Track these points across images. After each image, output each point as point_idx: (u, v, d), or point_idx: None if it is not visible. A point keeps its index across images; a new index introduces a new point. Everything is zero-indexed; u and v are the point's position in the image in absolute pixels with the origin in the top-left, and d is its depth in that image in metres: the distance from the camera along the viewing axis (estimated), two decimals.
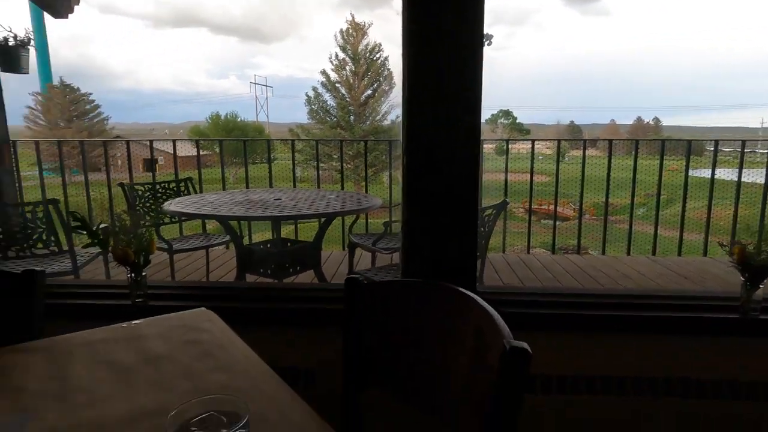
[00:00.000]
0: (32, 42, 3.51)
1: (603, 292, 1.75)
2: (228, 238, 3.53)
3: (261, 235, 4.79)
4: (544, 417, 1.58)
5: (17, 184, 4.24)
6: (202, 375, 0.87)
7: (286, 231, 4.68)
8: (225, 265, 4.05)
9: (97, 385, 0.84)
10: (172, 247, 3.15)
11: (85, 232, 1.96)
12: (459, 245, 1.60)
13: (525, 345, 0.69)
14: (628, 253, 4.06)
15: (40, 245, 2.72)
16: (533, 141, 3.95)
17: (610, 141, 3.89)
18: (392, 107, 23.62)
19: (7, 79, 3.38)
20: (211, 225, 3.98)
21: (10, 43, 3.15)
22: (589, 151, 4.06)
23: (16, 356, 0.95)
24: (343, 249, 4.45)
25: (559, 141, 4.08)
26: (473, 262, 1.63)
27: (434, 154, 1.55)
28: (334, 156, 14.22)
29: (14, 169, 4.04)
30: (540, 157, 3.99)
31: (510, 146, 4.37)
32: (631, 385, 1.55)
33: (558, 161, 3.77)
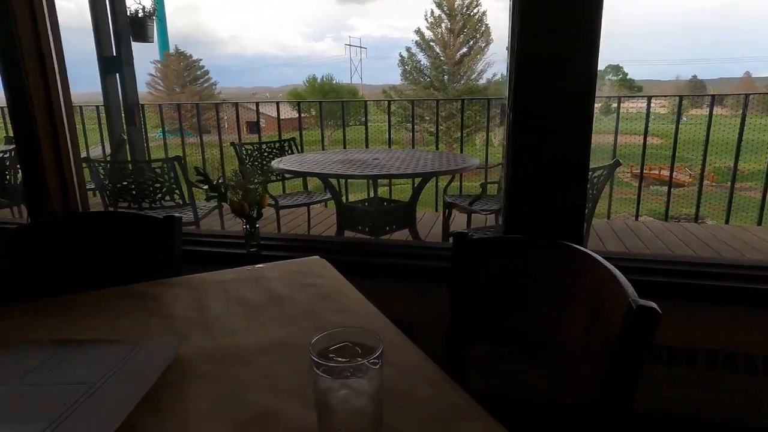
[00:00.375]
0: (155, 12, 3.81)
1: (727, 261, 1.59)
2: (328, 196, 3.69)
3: (354, 195, 4.95)
4: (652, 388, 1.51)
5: (145, 144, 4.73)
6: (322, 315, 0.94)
7: (381, 191, 4.78)
8: (323, 222, 4.26)
9: (231, 318, 0.94)
10: (278, 203, 3.37)
11: (206, 186, 2.16)
12: (567, 206, 1.53)
13: (653, 304, 0.66)
14: (759, 223, 3.62)
15: (167, 198, 3.05)
16: (649, 98, 3.59)
17: (746, 95, 3.41)
18: (488, 65, 22.63)
19: (133, 48, 3.73)
20: (311, 184, 4.17)
21: (140, 15, 3.45)
22: (714, 110, 3.61)
23: (163, 289, 1.09)
24: (436, 210, 4.46)
25: (680, 97, 3.65)
26: (581, 224, 1.56)
27: (544, 109, 1.48)
28: (426, 117, 14.08)
29: (143, 130, 4.50)
30: (652, 117, 3.63)
31: (616, 105, 4.02)
32: (763, 363, 1.41)
33: (678, 120, 3.40)
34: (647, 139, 3.57)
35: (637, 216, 3.79)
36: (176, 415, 0.66)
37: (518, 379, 1.57)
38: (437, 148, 4.70)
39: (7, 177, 3.81)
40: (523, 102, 1.49)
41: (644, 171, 3.69)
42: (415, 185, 3.06)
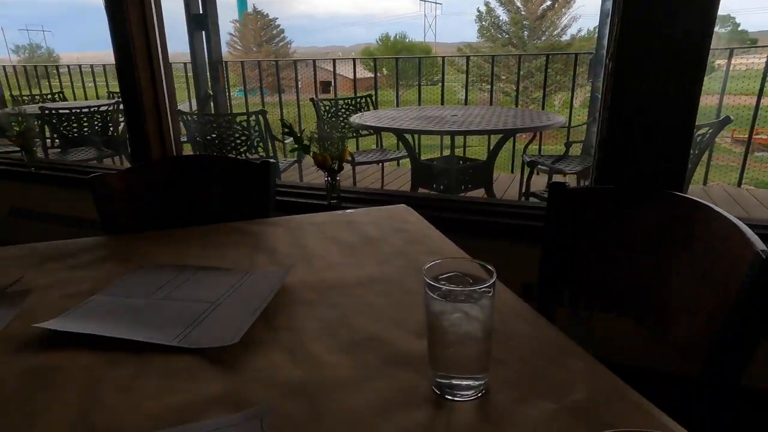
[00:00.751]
0: None
1: None
2: (402, 153, 3.70)
3: (426, 154, 4.91)
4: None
5: (228, 101, 4.93)
6: (415, 256, 0.96)
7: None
8: (396, 181, 4.29)
9: (329, 255, 0.99)
10: (354, 159, 3.43)
11: (290, 139, 2.24)
12: (667, 165, 1.44)
13: None
14: None
15: (251, 151, 3.20)
16: None
17: None
18: (573, 20, 21.03)
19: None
20: (385, 141, 4.19)
21: None
22: None
23: (262, 227, 1.16)
24: (511, 172, 4.34)
25: None
26: (681, 183, 1.46)
27: (649, 60, 1.37)
28: (503, 77, 13.48)
29: (226, 87, 4.69)
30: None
31: (720, 62, 3.62)
32: None
33: None
34: (753, 99, 3.20)
35: (739, 182, 3.46)
36: (290, 333, 0.71)
37: (607, 341, 1.53)
38: (516, 106, 4.51)
39: (110, 129, 4.15)
40: (625, 52, 1.39)
41: (747, 136, 3.34)
42: (491, 147, 2.98)
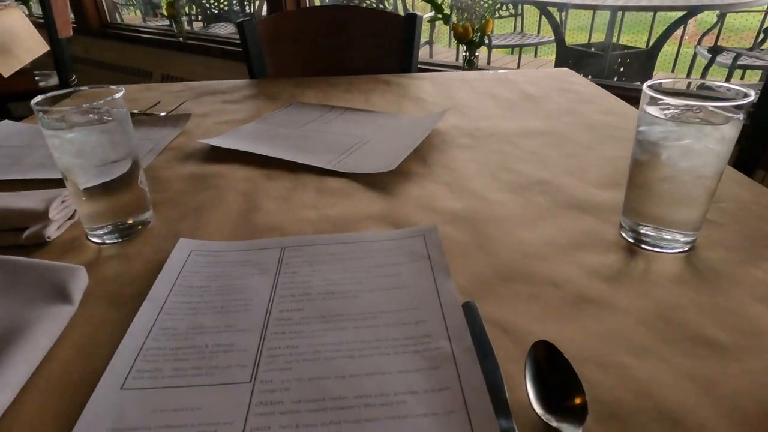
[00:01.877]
0: None
1: None
2: (543, 38, 3.31)
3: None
4: None
5: None
6: (587, 114, 0.83)
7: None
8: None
9: (483, 108, 0.89)
10: (492, 42, 3.13)
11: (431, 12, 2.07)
12: None
13: None
14: None
15: None
16: None
17: None
18: None
19: None
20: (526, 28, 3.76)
21: None
22: None
23: (407, 80, 1.08)
24: (672, 71, 3.71)
25: None
26: None
27: None
28: None
29: None
30: None
31: None
32: None
33: None
34: None
35: None
36: (447, 170, 0.65)
37: None
38: None
39: (246, 5, 4.23)
40: None
41: None
42: (652, 40, 2.49)
